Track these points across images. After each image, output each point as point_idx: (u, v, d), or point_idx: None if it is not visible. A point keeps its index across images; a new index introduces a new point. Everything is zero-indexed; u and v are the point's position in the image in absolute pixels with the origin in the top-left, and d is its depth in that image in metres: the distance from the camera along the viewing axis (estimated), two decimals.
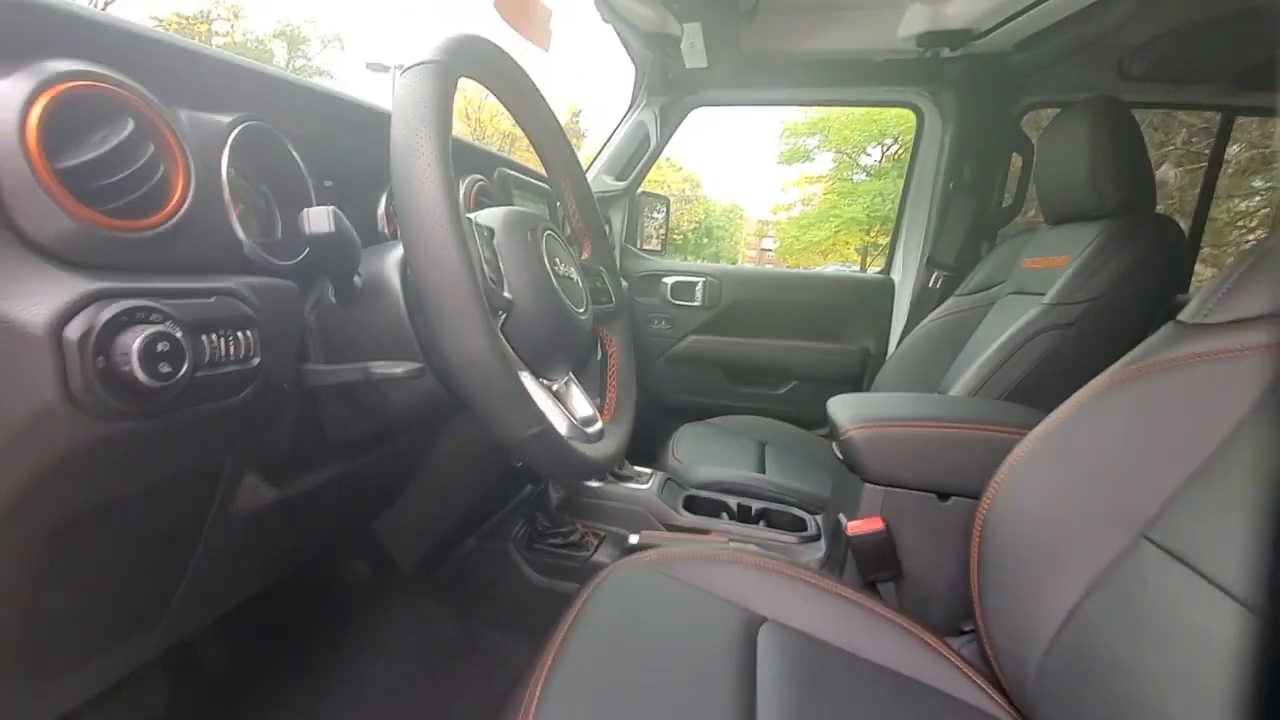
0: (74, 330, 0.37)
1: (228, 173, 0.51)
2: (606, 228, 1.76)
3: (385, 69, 17.66)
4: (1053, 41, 1.48)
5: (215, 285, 0.47)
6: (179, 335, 0.41)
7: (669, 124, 1.84)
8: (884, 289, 1.90)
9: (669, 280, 1.95)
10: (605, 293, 0.82)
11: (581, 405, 0.68)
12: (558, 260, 0.66)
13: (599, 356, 0.82)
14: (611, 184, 1.87)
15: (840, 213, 17.29)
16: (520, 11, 1.07)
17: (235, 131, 0.52)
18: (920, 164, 1.83)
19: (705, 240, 29.37)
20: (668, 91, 1.80)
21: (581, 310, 0.68)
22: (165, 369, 0.40)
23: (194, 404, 0.44)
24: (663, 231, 2.11)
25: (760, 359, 1.96)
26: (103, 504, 0.45)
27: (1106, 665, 0.58)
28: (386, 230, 0.78)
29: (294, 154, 0.60)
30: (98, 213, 0.41)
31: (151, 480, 0.48)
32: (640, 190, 1.98)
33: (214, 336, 0.45)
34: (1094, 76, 1.53)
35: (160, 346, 0.40)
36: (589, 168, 1.90)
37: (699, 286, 1.93)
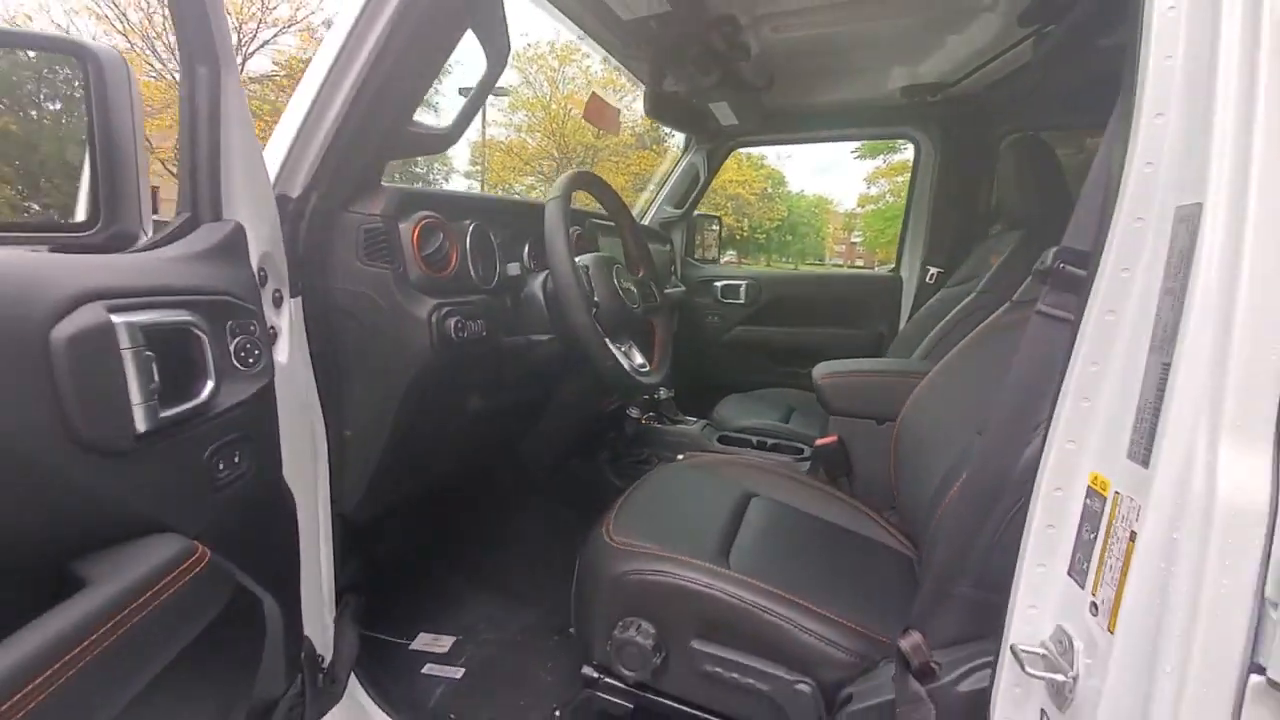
0: (433, 318, 0.97)
1: (468, 247, 1.11)
2: (668, 246, 2.32)
3: None
4: (1012, 85, 1.89)
5: (467, 298, 1.07)
6: (462, 319, 1.01)
7: (714, 163, 2.39)
8: (894, 284, 2.34)
9: (719, 284, 2.48)
10: (653, 297, 1.38)
11: (638, 357, 1.25)
12: (621, 280, 1.23)
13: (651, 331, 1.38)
14: (672, 211, 2.43)
15: None
16: (599, 115, 1.65)
17: (470, 228, 1.12)
18: (920, 182, 2.26)
19: (789, 238, 28.59)
20: (711, 140, 2.34)
21: (635, 306, 1.24)
22: (460, 334, 1.00)
23: (466, 349, 1.04)
24: (717, 243, 2.64)
25: (795, 344, 2.44)
26: (429, 391, 1.06)
27: (944, 513, 0.96)
28: (529, 265, 1.36)
29: (490, 234, 1.19)
30: (431, 271, 1.01)
31: (446, 383, 1.09)
32: (696, 214, 2.52)
33: (470, 320, 1.04)
34: (1051, 110, 1.91)
35: (457, 324, 1.00)
36: (655, 199, 2.47)
37: (742, 288, 2.45)
